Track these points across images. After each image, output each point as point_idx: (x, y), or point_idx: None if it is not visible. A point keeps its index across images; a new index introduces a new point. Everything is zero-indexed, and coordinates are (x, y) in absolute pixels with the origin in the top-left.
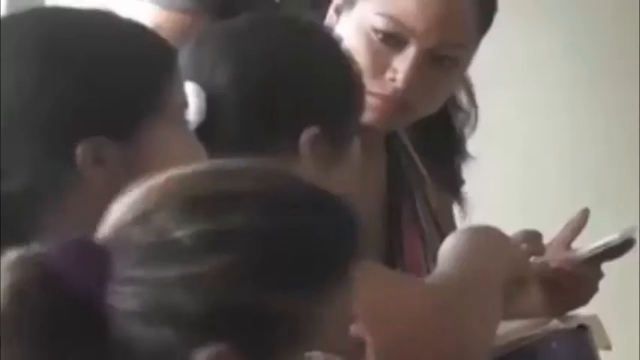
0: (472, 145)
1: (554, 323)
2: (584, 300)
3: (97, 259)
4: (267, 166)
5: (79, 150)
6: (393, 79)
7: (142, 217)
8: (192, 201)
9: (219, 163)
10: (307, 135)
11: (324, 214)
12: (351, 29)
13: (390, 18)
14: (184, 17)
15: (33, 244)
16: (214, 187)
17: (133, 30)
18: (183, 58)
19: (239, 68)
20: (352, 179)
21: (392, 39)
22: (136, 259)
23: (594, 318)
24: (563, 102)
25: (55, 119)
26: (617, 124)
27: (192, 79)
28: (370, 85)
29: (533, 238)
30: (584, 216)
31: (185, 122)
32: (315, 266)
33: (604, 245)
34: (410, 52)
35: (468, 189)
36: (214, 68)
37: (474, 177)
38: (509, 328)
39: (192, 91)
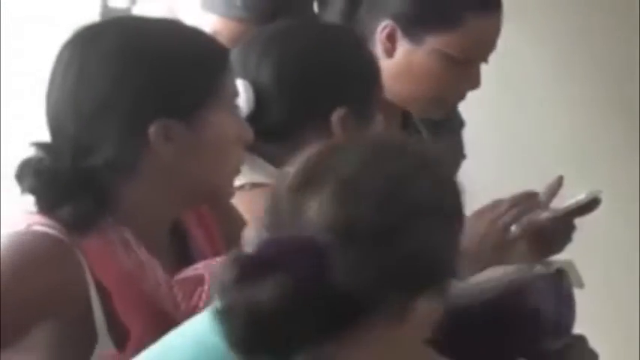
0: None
1: (538, 268)
2: (560, 248)
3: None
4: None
5: (152, 129)
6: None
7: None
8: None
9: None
10: (337, 115)
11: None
12: (423, 56)
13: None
14: (238, 25)
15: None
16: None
17: (195, 34)
18: (235, 58)
19: (279, 66)
20: None
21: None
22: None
23: (570, 263)
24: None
25: (133, 105)
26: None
27: (242, 75)
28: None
29: (527, 197)
30: (559, 181)
31: (236, 108)
32: None
33: (575, 204)
34: (475, 69)
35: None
36: (259, 66)
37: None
38: (500, 272)
39: (241, 86)
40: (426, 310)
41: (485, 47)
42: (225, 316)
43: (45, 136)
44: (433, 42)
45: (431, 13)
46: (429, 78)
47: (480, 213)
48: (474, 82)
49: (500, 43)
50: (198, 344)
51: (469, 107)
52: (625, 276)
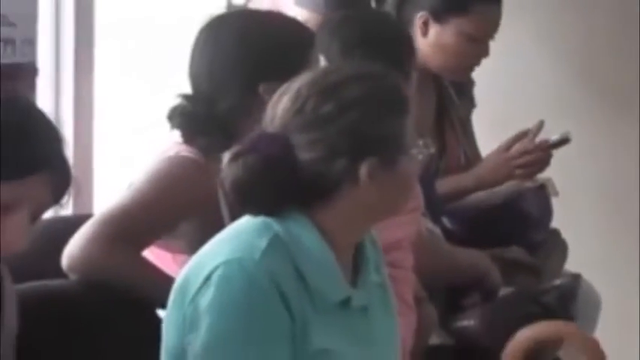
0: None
1: (527, 183)
2: (541, 170)
3: (282, 139)
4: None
5: (261, 88)
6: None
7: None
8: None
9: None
10: None
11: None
12: (447, 35)
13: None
14: (318, 15)
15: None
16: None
17: (292, 22)
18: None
19: (343, 45)
20: None
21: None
22: (304, 128)
23: (549, 179)
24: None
25: (247, 70)
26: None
27: (320, 52)
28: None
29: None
30: (539, 125)
31: None
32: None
33: (552, 140)
34: (484, 43)
35: None
36: (330, 45)
37: None
38: (503, 187)
39: (321, 60)
40: (376, 175)
41: (489, 27)
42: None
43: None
44: (453, 24)
45: (449, 4)
46: (452, 50)
47: (498, 152)
48: (484, 53)
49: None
50: (238, 233)
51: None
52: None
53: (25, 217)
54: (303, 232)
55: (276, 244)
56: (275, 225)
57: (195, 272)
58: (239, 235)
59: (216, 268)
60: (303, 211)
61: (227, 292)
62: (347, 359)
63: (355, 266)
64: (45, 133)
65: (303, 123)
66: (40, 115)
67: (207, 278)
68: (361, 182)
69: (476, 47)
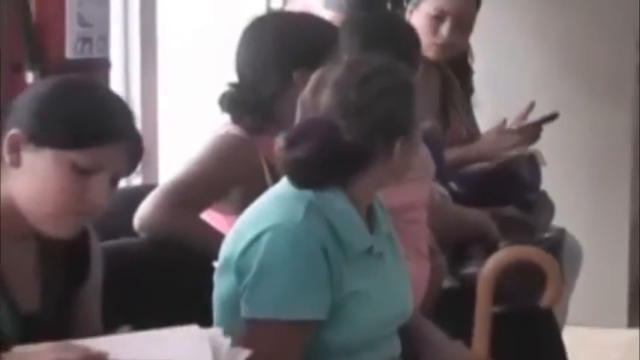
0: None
1: (519, 154)
2: (532, 143)
3: (329, 125)
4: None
5: (295, 75)
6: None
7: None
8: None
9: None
10: None
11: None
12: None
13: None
14: (341, 15)
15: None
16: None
17: (320, 21)
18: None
19: (362, 41)
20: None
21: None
22: (348, 115)
23: (538, 151)
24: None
25: (283, 61)
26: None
27: (342, 46)
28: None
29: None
30: (530, 106)
31: None
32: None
33: (542, 116)
34: (447, 22)
35: None
36: (351, 40)
37: None
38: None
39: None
40: (404, 149)
41: (449, 7)
42: (283, 169)
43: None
44: (423, 6)
45: None
46: (424, 28)
47: (497, 129)
48: (444, 33)
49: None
50: (276, 197)
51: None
52: None
53: (106, 180)
54: (334, 198)
55: (312, 208)
56: (308, 193)
57: (244, 231)
58: (280, 201)
59: (265, 230)
60: (336, 182)
61: (275, 249)
62: (372, 297)
63: (368, 221)
64: (121, 109)
65: (346, 111)
66: (115, 96)
67: (257, 238)
68: (395, 157)
69: (441, 26)
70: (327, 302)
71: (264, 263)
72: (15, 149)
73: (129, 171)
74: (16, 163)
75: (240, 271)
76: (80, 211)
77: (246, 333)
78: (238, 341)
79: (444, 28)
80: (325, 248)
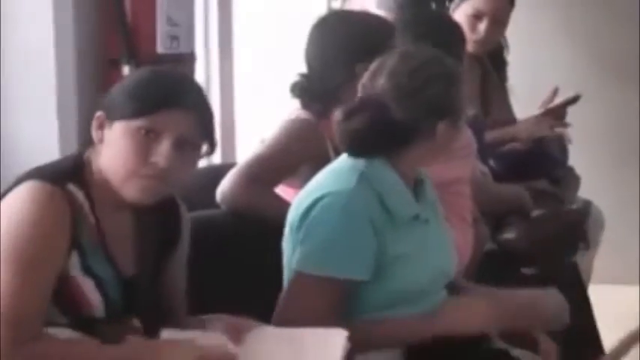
0: None
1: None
2: (560, 124)
3: (382, 104)
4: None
5: (357, 67)
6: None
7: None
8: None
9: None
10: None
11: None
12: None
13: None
14: (392, 14)
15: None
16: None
17: (378, 18)
18: None
19: (413, 36)
20: None
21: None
22: (400, 98)
23: (566, 131)
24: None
25: (347, 55)
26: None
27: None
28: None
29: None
30: (555, 90)
31: None
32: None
33: (566, 99)
34: (485, 21)
35: None
36: (404, 36)
37: None
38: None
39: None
40: (446, 130)
41: (485, 8)
42: (340, 138)
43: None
44: (463, 7)
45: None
46: (464, 26)
47: (536, 117)
48: (481, 31)
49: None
50: (333, 170)
51: None
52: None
53: (168, 144)
54: (383, 170)
55: (362, 179)
56: (360, 165)
57: (304, 199)
58: (336, 173)
59: (321, 196)
60: (385, 154)
61: (330, 213)
62: (415, 260)
63: (415, 192)
64: (182, 80)
65: (398, 94)
66: (179, 72)
67: (314, 203)
68: (437, 137)
69: (481, 24)
70: (369, 264)
71: (316, 223)
72: (100, 128)
73: (200, 138)
74: (101, 139)
75: (299, 233)
76: (147, 174)
77: (291, 283)
78: (285, 290)
79: (482, 27)
80: (372, 215)
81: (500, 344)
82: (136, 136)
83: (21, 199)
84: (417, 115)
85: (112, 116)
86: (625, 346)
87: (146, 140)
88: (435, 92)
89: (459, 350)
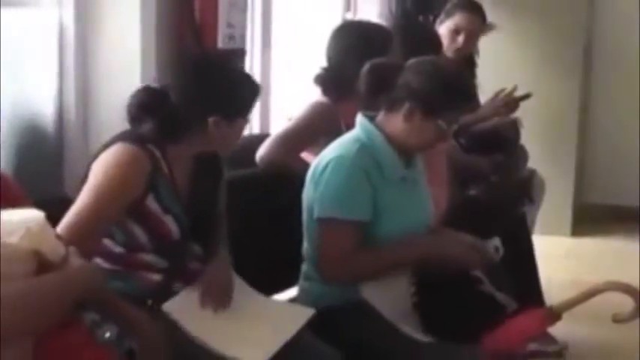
0: None
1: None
2: (513, 111)
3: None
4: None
5: (367, 64)
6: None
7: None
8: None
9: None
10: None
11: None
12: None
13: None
14: (388, 22)
15: None
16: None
17: (382, 27)
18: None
19: (406, 44)
20: None
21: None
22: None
23: (518, 117)
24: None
25: (356, 54)
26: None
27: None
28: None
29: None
30: (514, 87)
31: None
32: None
33: (521, 95)
34: (462, 35)
35: None
36: (401, 42)
37: None
38: (493, 121)
39: None
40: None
41: (463, 25)
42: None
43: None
44: (447, 23)
45: (445, 14)
46: (447, 37)
47: (491, 100)
48: (459, 42)
49: None
50: (341, 141)
51: None
52: None
53: (240, 130)
54: (379, 143)
55: (362, 147)
56: (361, 137)
57: (321, 161)
58: (344, 143)
59: (331, 159)
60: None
61: (336, 172)
62: (401, 210)
63: (407, 161)
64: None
65: (401, 85)
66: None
67: (326, 165)
68: (413, 119)
69: (459, 37)
70: (369, 209)
71: (329, 181)
72: None
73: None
74: None
75: (315, 187)
76: None
77: (318, 228)
78: (316, 235)
79: (460, 39)
80: (368, 171)
81: (488, 288)
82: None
83: (112, 154)
84: (404, 100)
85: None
86: (573, 302)
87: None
88: (424, 86)
89: (456, 288)
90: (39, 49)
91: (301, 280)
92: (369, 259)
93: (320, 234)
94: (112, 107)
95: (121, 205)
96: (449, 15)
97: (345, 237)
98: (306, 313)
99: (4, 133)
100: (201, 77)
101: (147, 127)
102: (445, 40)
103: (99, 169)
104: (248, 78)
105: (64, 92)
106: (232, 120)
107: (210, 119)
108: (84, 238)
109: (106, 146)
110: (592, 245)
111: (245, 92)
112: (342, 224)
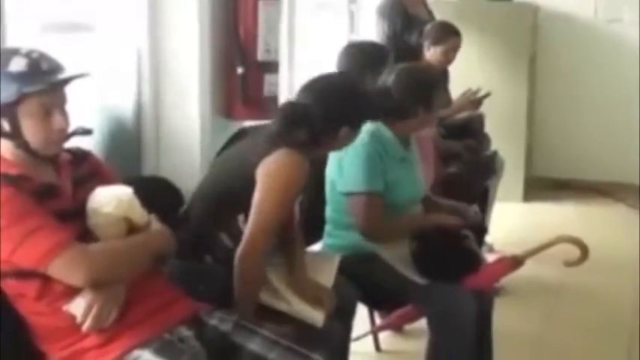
0: None
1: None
2: (478, 108)
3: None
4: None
5: (367, 77)
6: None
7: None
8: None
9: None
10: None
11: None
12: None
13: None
14: (383, 41)
15: None
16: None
17: (381, 46)
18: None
19: (394, 59)
20: None
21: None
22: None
23: (482, 112)
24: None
25: (360, 69)
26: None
27: None
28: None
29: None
30: (478, 89)
31: None
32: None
33: (482, 94)
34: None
35: None
36: (393, 56)
37: None
38: (463, 114)
39: None
40: (423, 114)
41: (449, 50)
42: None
43: None
44: (440, 47)
45: (433, 40)
46: (435, 57)
47: (462, 96)
48: (453, 58)
49: None
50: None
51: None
52: None
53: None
54: (385, 132)
55: (373, 137)
56: (370, 127)
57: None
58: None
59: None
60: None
61: (355, 154)
62: (402, 183)
63: (405, 145)
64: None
65: (398, 92)
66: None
67: (348, 150)
68: (418, 117)
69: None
70: (382, 182)
71: (350, 161)
72: None
73: None
74: None
75: (340, 167)
76: None
77: (346, 201)
78: (351, 206)
79: (452, 56)
80: (379, 153)
81: (472, 245)
82: None
83: (282, 159)
84: (405, 103)
85: None
86: (533, 252)
87: None
88: (421, 92)
89: (447, 243)
90: (121, 65)
91: (325, 237)
92: (396, 225)
93: (353, 204)
94: (177, 107)
95: (294, 202)
96: (441, 40)
97: (370, 205)
98: (335, 260)
99: (96, 129)
100: (338, 97)
101: (297, 135)
102: (438, 57)
103: (273, 173)
104: (365, 96)
105: (142, 93)
106: (356, 128)
107: (343, 128)
108: (272, 233)
109: (264, 152)
110: (539, 209)
111: (365, 107)
112: (365, 196)
